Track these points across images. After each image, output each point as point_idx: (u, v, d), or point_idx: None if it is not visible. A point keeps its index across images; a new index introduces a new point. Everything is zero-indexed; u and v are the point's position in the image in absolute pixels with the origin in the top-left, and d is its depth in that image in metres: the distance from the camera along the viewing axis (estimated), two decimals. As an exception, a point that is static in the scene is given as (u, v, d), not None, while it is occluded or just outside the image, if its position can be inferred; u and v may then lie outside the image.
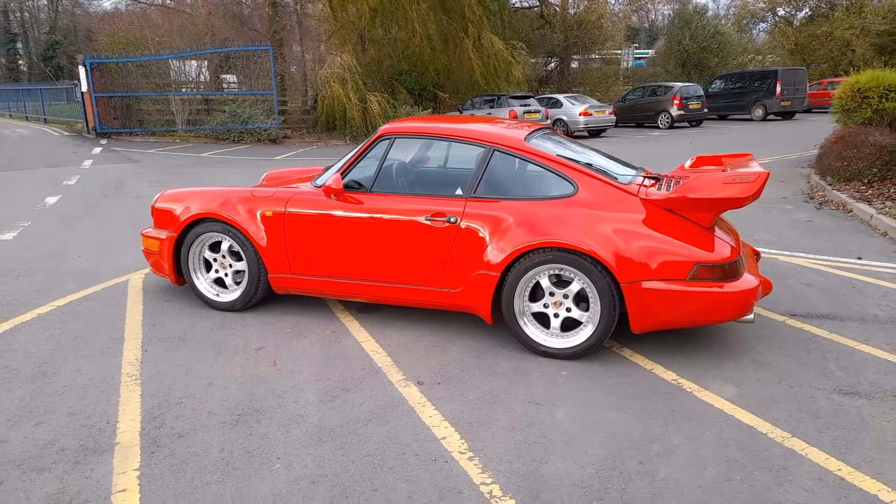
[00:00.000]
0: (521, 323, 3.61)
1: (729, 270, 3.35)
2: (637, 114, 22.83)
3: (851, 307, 4.30)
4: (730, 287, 3.33)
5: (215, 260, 4.32)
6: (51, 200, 8.63)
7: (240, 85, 17.49)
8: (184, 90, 17.11)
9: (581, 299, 3.52)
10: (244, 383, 3.28)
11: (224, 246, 4.25)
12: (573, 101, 20.10)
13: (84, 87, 15.63)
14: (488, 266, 3.58)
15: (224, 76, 19.03)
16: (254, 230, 4.10)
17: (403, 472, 2.52)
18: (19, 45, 53.77)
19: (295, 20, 20.88)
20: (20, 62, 53.56)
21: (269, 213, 4.08)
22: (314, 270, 4.04)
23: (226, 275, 4.32)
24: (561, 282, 3.54)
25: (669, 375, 3.35)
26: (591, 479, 2.47)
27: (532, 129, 4.02)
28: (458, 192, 3.78)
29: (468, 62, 20.93)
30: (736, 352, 3.63)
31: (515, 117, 17.77)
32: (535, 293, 3.60)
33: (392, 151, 3.99)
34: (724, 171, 3.62)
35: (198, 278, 4.38)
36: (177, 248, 4.34)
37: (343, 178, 3.96)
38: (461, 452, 2.65)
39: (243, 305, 4.27)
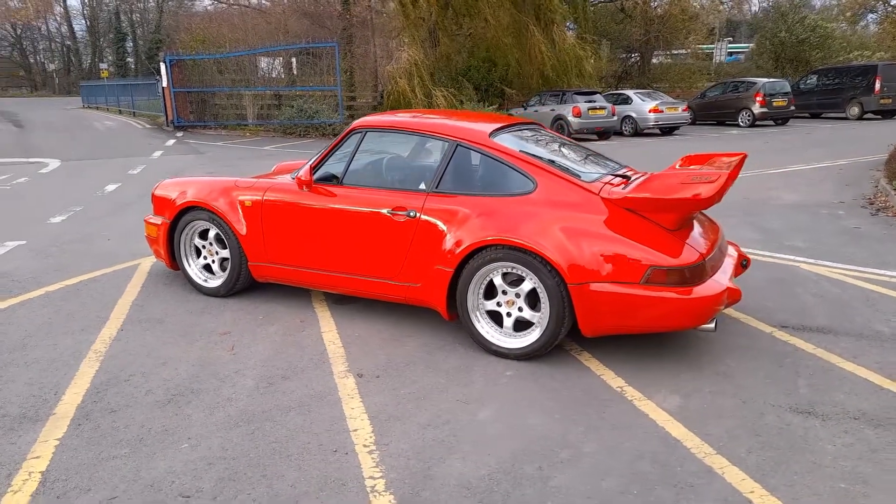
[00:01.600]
0: (473, 320, 3.55)
1: (687, 276, 3.17)
2: (716, 111, 21.78)
3: (854, 321, 3.95)
4: (687, 293, 3.14)
5: (204, 247, 4.51)
6: (110, 188, 9.23)
7: (307, 80, 18.01)
8: (255, 86, 17.80)
9: (535, 299, 3.42)
10: (194, 365, 3.41)
11: (211, 234, 4.42)
12: (643, 98, 19.42)
13: (164, 83, 16.62)
14: (444, 261, 3.54)
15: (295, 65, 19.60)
16: (235, 219, 4.24)
17: (299, 461, 2.54)
18: (129, 44, 57.77)
19: (368, 17, 21.27)
20: (129, 59, 57.50)
21: (248, 203, 4.21)
22: (288, 260, 4.14)
23: (213, 261, 4.49)
24: (515, 280, 3.46)
25: (617, 382, 3.21)
26: (481, 482, 2.41)
27: (503, 125, 3.94)
28: (422, 186, 3.76)
29: (538, 57, 20.66)
30: (701, 362, 3.43)
31: (579, 114, 17.41)
32: (491, 291, 3.54)
33: (365, 145, 4.02)
34: (685, 171, 3.42)
35: (188, 264, 4.58)
36: (171, 234, 4.55)
37: (316, 170, 4.03)
38: (365, 446, 2.65)
39: (227, 291, 4.43)
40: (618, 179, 3.62)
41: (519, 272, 3.39)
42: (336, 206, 3.89)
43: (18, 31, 57.16)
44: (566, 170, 3.57)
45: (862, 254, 5.46)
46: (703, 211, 4.10)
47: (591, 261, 3.22)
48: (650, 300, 3.16)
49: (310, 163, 4.07)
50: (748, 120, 20.41)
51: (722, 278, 3.36)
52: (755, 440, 2.68)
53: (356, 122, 4.07)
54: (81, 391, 3.11)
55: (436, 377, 3.28)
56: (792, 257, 5.38)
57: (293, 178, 4.14)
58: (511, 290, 3.45)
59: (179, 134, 17.19)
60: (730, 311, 4.16)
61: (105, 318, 4.08)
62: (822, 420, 2.83)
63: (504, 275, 3.47)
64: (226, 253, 4.40)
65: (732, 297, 3.33)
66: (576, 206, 3.40)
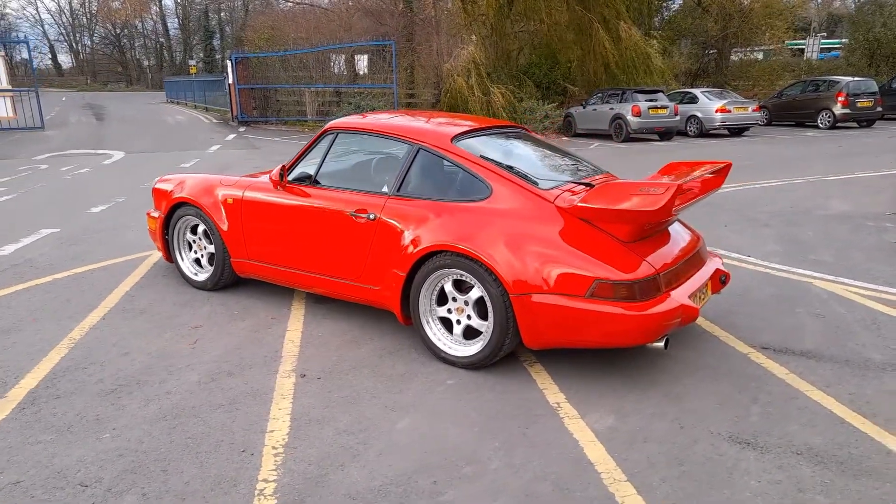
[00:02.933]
0: (425, 325, 3.51)
1: (636, 291, 3.01)
2: (794, 112, 20.59)
3: (846, 346, 3.65)
4: (634, 309, 2.99)
5: (194, 242, 4.66)
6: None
7: (365, 78, 18.30)
8: (316, 83, 18.24)
9: (485, 308, 3.35)
10: (152, 357, 3.54)
11: (200, 229, 4.57)
12: (710, 97, 18.61)
13: (230, 80, 17.30)
14: (399, 265, 3.52)
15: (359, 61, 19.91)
16: (218, 216, 4.36)
17: (203, 459, 2.59)
18: (217, 42, 60.43)
19: (433, 14, 21.38)
20: (217, 56, 60.18)
21: (230, 201, 4.32)
22: (265, 258, 4.22)
23: (201, 256, 4.64)
24: (468, 288, 3.39)
25: (557, 398, 3.09)
26: (369, 493, 2.38)
27: (471, 129, 3.86)
28: (385, 188, 3.74)
29: (602, 54, 20.13)
30: (656, 381, 3.25)
31: (639, 113, 16.87)
32: (444, 297, 3.49)
33: (337, 146, 4.04)
34: (635, 181, 3.25)
35: (181, 258, 4.75)
36: (166, 228, 4.74)
37: (291, 170, 4.09)
38: (274, 448, 2.67)
39: (213, 286, 4.57)
40: (580, 187, 3.49)
41: (468, 280, 3.32)
42: (305, 205, 3.93)
43: (118, 30, 60.91)
44: (524, 177, 3.46)
45: (889, 272, 5.03)
46: (684, 220, 3.91)
47: (535, 271, 3.12)
48: (594, 315, 3.03)
49: (284, 162, 4.13)
50: (828, 121, 19.21)
51: (680, 295, 3.17)
52: (675, 469, 2.52)
53: (329, 124, 4.10)
54: (40, 377, 3.29)
55: (375, 382, 3.26)
56: (810, 272, 5.02)
57: (270, 178, 4.22)
58: (461, 298, 3.39)
59: (241, 129, 17.85)
60: (711, 327, 3.94)
61: (94, 307, 4.29)
62: (760, 452, 2.63)
63: (457, 282, 3.41)
64: (213, 248, 4.53)
65: (687, 315, 3.14)
66: (528, 213, 3.29)
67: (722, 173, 3.77)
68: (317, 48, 18.03)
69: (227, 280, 4.54)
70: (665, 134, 17.69)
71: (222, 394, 3.13)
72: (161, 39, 63.70)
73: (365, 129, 3.95)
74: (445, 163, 3.60)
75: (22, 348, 3.63)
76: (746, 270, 5.12)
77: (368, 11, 19.38)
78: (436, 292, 3.48)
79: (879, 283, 4.73)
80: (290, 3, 23.02)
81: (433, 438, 2.74)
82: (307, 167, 4.08)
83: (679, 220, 3.89)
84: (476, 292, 3.32)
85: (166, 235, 4.74)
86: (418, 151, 3.67)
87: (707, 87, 23.68)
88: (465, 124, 3.94)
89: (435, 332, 3.50)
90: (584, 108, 18.66)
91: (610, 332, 3.04)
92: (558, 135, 19.02)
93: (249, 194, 4.22)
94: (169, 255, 4.81)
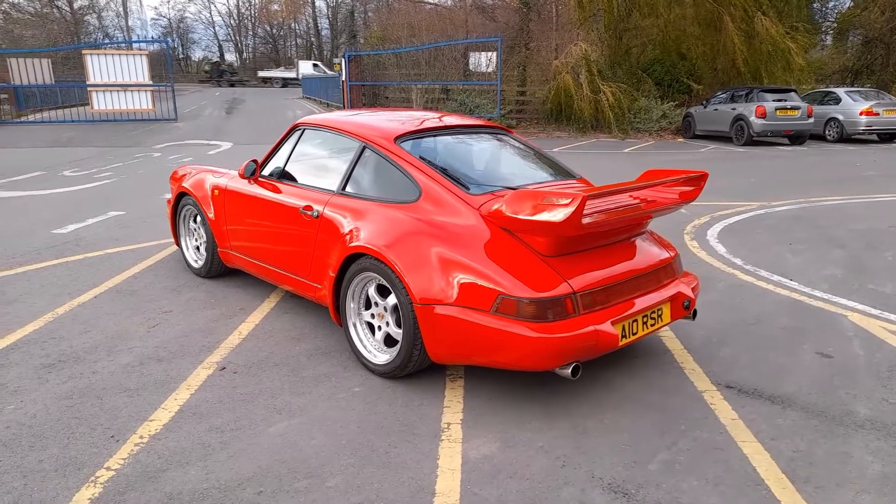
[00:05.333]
0: (350, 328, 3.41)
1: (543, 310, 2.73)
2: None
3: (835, 394, 3.07)
4: (539, 331, 2.70)
5: (195, 230, 4.88)
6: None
7: (491, 75, 18.23)
8: (425, 80, 18.48)
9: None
10: (107, 337, 3.73)
11: (198, 218, 4.77)
12: (856, 98, 16.62)
13: (343, 77, 17.99)
14: (331, 265, 3.45)
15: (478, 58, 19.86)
16: (207, 206, 4.53)
17: (72, 441, 2.67)
18: (361, 41, 63.32)
19: (550, 10, 20.93)
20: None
21: (216, 192, 4.47)
22: (241, 249, 4.32)
23: (199, 245, 4.84)
24: (388, 293, 3.25)
25: (452, 418, 2.87)
26: (190, 495, 2.32)
27: (423, 128, 3.67)
28: (333, 186, 3.67)
29: (731, 50, 18.60)
30: (573, 412, 2.92)
31: (763, 114, 15.45)
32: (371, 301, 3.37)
33: (303, 143, 4.03)
34: (544, 190, 2.92)
35: (186, 245, 4.99)
36: (175, 216, 5.00)
37: (265, 164, 4.15)
38: (141, 437, 2.70)
39: (206, 273, 4.75)
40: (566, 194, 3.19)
41: (387, 285, 3.18)
42: (268, 199, 3.97)
43: (274, 30, 65.69)
44: (455, 180, 3.24)
45: (964, 309, 4.18)
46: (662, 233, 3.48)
47: (442, 281, 2.91)
48: (495, 332, 2.77)
49: (252, 158, 4.20)
50: None
51: (598, 319, 2.81)
52: (519, 514, 2.24)
53: (298, 121, 4.11)
54: (3, 346, 3.58)
55: (284, 381, 3.21)
56: (853, 304, 4.30)
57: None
58: (381, 303, 3.26)
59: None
60: (683, 357, 3.48)
61: (96, 285, 4.62)
62: (631, 502, 2.27)
63: (381, 286, 3.27)
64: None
65: (603, 342, 2.78)
66: (448, 219, 3.09)
67: (696, 184, 3.32)
68: (424, 46, 18.27)
69: (217, 269, 4.69)
70: (796, 138, 16.07)
71: (137, 379, 3.22)
72: (312, 39, 67.83)
73: (324, 125, 3.91)
74: (385, 162, 3.46)
75: (6, 318, 3.98)
76: (775, 296, 4.48)
77: (481, 8, 19.30)
78: (363, 296, 3.37)
79: (936, 323, 3.94)
80: (404, 2, 23.50)
81: (295, 446, 2.65)
82: (278, 162, 4.12)
83: (651, 234, 3.48)
84: (392, 299, 3.17)
85: (175, 222, 5.01)
86: (363, 150, 3.57)
87: (866, 86, 21.20)
88: (423, 124, 3.77)
89: (360, 337, 3.39)
90: (704, 107, 17.40)
91: (510, 352, 2.77)
92: (674, 136, 17.90)
93: (231, 185, 4.33)
94: (178, 241, 5.07)
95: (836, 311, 4.17)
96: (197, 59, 74.95)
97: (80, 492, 2.34)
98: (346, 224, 3.41)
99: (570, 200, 2.62)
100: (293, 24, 66.65)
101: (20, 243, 5.74)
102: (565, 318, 2.77)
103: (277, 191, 3.94)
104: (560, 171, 3.76)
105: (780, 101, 15.67)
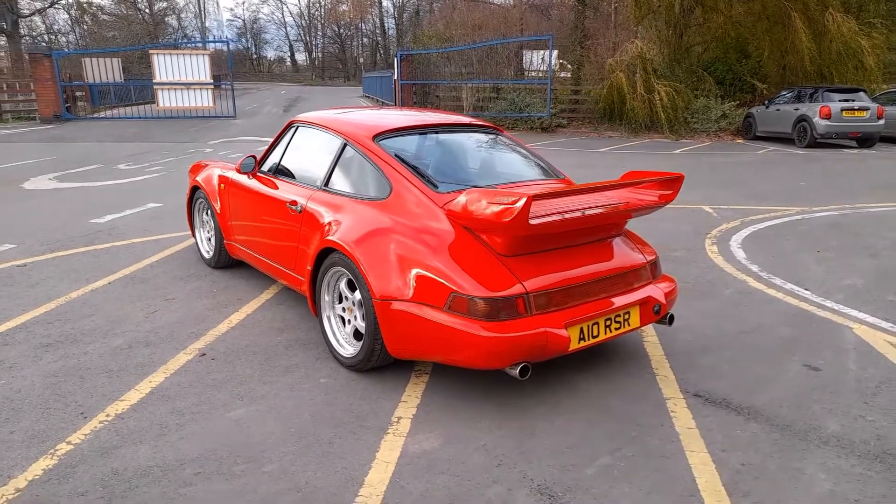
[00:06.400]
0: (324, 320, 3.49)
1: (494, 309, 2.73)
2: None
3: (809, 408, 2.93)
4: (487, 329, 2.71)
5: (206, 223, 5.08)
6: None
7: (529, 74, 18.11)
8: (476, 79, 18.47)
9: (369, 309, 3.24)
10: (107, 321, 3.95)
11: (209, 211, 4.97)
12: (933, 99, 15.56)
13: (395, 76, 18.20)
14: (308, 259, 3.54)
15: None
16: (214, 199, 4.71)
17: (45, 415, 2.85)
18: (410, 37, 63.86)
19: (609, 8, 20.57)
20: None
21: (222, 185, 4.65)
22: (241, 242, 4.48)
23: (210, 237, 5.04)
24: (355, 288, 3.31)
25: (406, 412, 2.90)
26: (133, 471, 2.44)
27: (407, 126, 3.71)
28: (318, 182, 3.77)
29: (798, 48, 17.74)
30: (527, 413, 2.90)
31: (828, 115, 14.71)
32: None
33: (297, 139, 4.14)
34: (497, 189, 2.90)
35: (199, 237, 5.20)
36: (191, 208, 5.22)
37: (264, 159, 4.29)
38: (107, 415, 2.85)
39: (215, 264, 4.94)
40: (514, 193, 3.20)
41: (354, 279, 3.24)
42: (264, 193, 4.10)
43: (341, 31, 67.02)
44: (424, 178, 3.27)
45: None
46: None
47: (400, 278, 2.96)
48: (447, 330, 2.79)
49: (251, 154, 4.34)
50: None
51: (551, 321, 2.79)
52: (437, 510, 2.25)
53: (293, 118, 4.22)
54: (8, 326, 3.84)
55: (256, 369, 3.32)
56: (863, 316, 4.08)
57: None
58: (351, 297, 3.32)
59: (401, 122, 18.66)
60: (659, 363, 3.40)
61: (113, 272, 4.88)
62: (552, 511, 2.24)
63: (351, 281, 3.34)
64: (218, 230, 4.90)
65: (554, 344, 2.76)
66: (412, 216, 3.12)
67: (672, 187, 3.23)
68: (476, 45, 18.27)
69: (225, 260, 4.87)
70: (864, 140, 15.22)
71: (122, 361, 3.40)
72: (378, 38, 68.83)
73: (313, 122, 4.01)
74: (363, 159, 3.52)
75: (25, 300, 4.27)
76: (781, 305, 4.29)
77: (534, 6, 19.14)
78: (337, 290, 3.44)
79: (949, 339, 3.69)
80: (467, 1, 23.52)
81: (246, 432, 2.74)
82: (274, 158, 4.25)
83: (629, 236, 3.41)
84: (358, 294, 3.23)
85: (192, 214, 5.23)
86: (344, 147, 3.65)
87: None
88: (408, 122, 3.81)
89: (333, 330, 3.46)
90: (766, 107, 16.70)
91: (462, 350, 2.78)
92: (733, 137, 17.26)
93: (233, 180, 4.50)
94: (193, 233, 5.30)
95: (842, 323, 3.96)
96: (269, 59, 77.47)
97: (38, 462, 2.50)
98: (324, 219, 3.49)
99: (515, 200, 2.61)
100: (360, 25, 67.79)
101: (58, 231, 6.12)
102: (517, 317, 2.76)
103: (272, 186, 4.07)
104: (543, 171, 3.73)
105: (846, 101, 14.86)
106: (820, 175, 10.74)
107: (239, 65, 70.67)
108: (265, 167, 4.27)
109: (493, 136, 4.02)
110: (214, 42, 45.28)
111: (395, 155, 3.43)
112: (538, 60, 19.35)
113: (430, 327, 2.84)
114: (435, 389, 3.12)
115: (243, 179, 4.37)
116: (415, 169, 3.34)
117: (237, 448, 2.62)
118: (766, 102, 16.86)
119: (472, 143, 3.92)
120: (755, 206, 7.69)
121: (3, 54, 35.84)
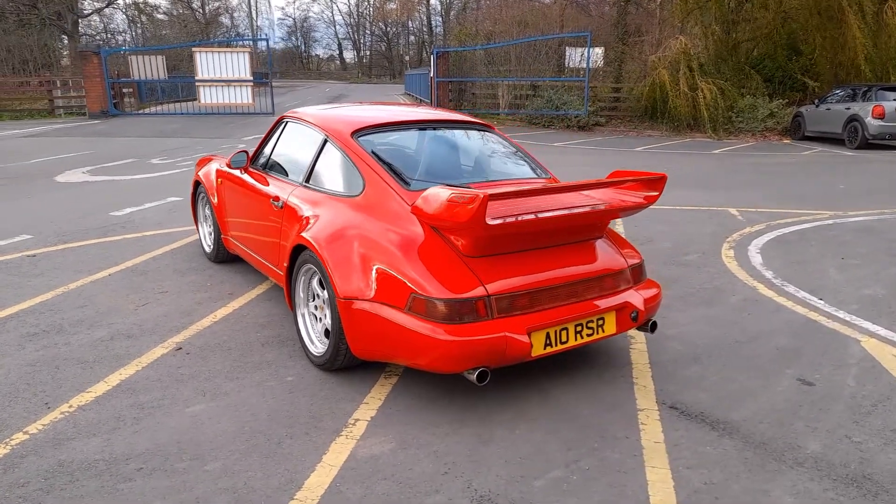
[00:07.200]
0: (298, 317, 3.45)
1: (453, 311, 2.64)
2: None
3: (792, 425, 2.74)
4: (446, 332, 2.62)
5: (208, 216, 5.12)
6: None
7: (569, 71, 17.81)
8: (513, 76, 18.28)
9: (338, 307, 3.18)
10: (97, 312, 4.00)
11: (209, 205, 5.00)
12: None
13: (431, 73, 18.17)
14: (284, 255, 3.51)
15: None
16: (212, 195, 4.74)
17: (11, 404, 2.88)
18: (442, 32, 63.65)
19: (652, 4, 20.09)
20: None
21: (219, 180, 4.67)
22: (235, 237, 4.49)
23: (211, 232, 5.08)
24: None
25: (365, 414, 2.83)
26: (79, 464, 2.44)
27: (389, 122, 3.64)
28: (300, 178, 3.73)
29: (852, 44, 16.94)
30: (488, 420, 2.80)
31: (882, 115, 14.02)
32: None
33: (287, 134, 4.12)
34: (455, 188, 2.78)
35: (202, 231, 5.25)
36: (195, 202, 5.28)
37: (257, 154, 4.29)
38: (70, 406, 2.87)
39: (214, 258, 4.98)
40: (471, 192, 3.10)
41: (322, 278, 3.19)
42: (252, 188, 4.10)
43: (388, 28, 67.44)
44: (398, 175, 3.19)
45: None
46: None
47: (363, 277, 2.89)
48: (405, 331, 2.71)
49: (242, 148, 4.34)
50: None
51: (512, 326, 2.67)
52: (369, 518, 2.18)
53: (283, 114, 4.20)
54: (1, 316, 3.93)
55: (226, 365, 3.30)
56: (874, 328, 3.82)
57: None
58: (322, 295, 3.27)
59: (437, 119, 18.59)
60: (642, 371, 3.25)
61: (116, 264, 4.97)
62: (487, 525, 2.14)
63: (321, 279, 3.29)
64: (218, 224, 4.93)
65: (514, 350, 2.64)
66: (380, 214, 3.06)
67: (655, 188, 3.07)
68: (512, 41, 18.06)
69: (223, 255, 4.90)
70: (920, 143, 14.44)
71: (100, 353, 3.43)
72: (425, 36, 68.96)
73: (299, 118, 3.97)
74: (340, 155, 3.47)
75: (25, 290, 4.37)
76: (788, 314, 4.06)
77: (577, 3, 18.80)
78: (310, 288, 3.40)
79: (966, 355, 3.42)
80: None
81: (199, 428, 2.71)
82: (265, 153, 4.24)
83: (612, 237, 3.26)
84: (327, 292, 3.18)
85: (196, 208, 5.29)
86: (325, 143, 3.60)
87: None
88: (391, 118, 3.74)
89: (307, 327, 3.42)
90: (816, 107, 16.01)
91: (419, 352, 2.70)
92: (781, 137, 16.62)
93: (228, 173, 4.51)
94: (197, 227, 5.35)
95: (849, 335, 3.71)
96: (318, 57, 78.55)
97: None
98: (302, 215, 3.46)
99: (472, 199, 2.51)
100: (408, 22, 68.09)
101: (75, 223, 6.28)
102: (477, 320, 2.66)
103: (262, 181, 4.06)
104: (528, 170, 3.60)
105: (900, 99, 14.11)
106: (863, 178, 10.21)
107: (289, 63, 71.89)
108: (258, 162, 4.27)
109: (481, 134, 3.91)
110: (250, 40, 46.14)
111: (372, 151, 3.36)
112: (578, 58, 19.02)
113: (391, 328, 2.76)
114: (401, 392, 3.04)
115: (235, 174, 4.37)
116: (389, 166, 3.26)
117: (186, 444, 2.60)
118: (817, 101, 16.16)
119: (459, 141, 3.82)
120: (785, 210, 7.34)
121: (65, 53, 37.31)
